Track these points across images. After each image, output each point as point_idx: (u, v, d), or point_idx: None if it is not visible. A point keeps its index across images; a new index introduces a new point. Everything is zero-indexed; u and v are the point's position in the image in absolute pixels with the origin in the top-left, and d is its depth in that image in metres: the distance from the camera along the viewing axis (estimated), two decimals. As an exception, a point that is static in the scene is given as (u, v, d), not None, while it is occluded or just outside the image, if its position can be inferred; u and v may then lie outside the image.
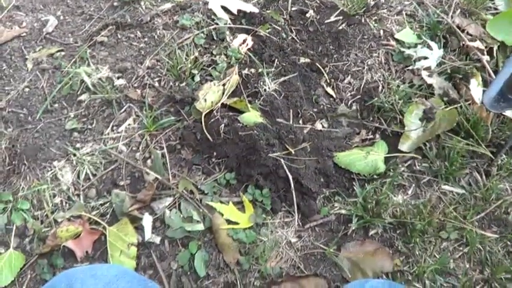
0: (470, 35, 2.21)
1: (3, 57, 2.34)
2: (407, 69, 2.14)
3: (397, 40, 2.24)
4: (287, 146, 1.90)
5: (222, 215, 1.81)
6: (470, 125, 1.93)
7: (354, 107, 2.08)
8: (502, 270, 1.72)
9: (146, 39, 2.31)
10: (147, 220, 1.81)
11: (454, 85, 2.08)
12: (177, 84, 2.11)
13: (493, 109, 1.68)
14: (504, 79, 1.65)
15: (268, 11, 2.38)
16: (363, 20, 2.33)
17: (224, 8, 2.36)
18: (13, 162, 2.01)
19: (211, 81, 2.06)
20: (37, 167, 1.98)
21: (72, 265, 1.78)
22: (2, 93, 2.22)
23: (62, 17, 2.52)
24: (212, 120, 1.95)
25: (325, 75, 2.15)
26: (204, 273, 1.74)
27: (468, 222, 1.79)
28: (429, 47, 2.16)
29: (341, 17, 2.35)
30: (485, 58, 2.11)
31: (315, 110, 2.06)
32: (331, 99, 2.10)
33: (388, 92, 2.06)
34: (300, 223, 1.83)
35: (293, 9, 2.39)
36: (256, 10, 2.34)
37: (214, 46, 2.23)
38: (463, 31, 2.21)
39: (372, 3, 2.39)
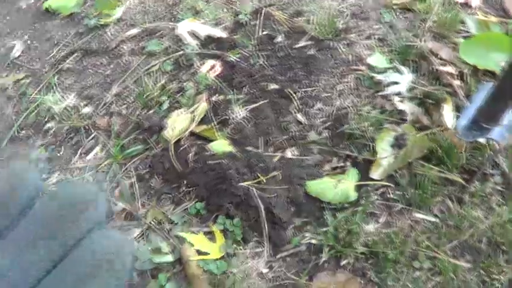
0: (443, 59, 2.20)
1: (-32, 84, 2.31)
2: (378, 95, 2.12)
3: (367, 65, 2.22)
4: (258, 175, 1.88)
5: (192, 245, 1.78)
6: (442, 151, 1.91)
7: (324, 134, 2.05)
8: (476, 300, 1.70)
9: (112, 65, 2.29)
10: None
11: (426, 110, 2.06)
12: (144, 111, 2.08)
13: (466, 137, 1.67)
14: (476, 107, 1.64)
15: (236, 36, 2.35)
16: (332, 45, 2.31)
17: (192, 34, 2.33)
18: (-23, 193, 1.97)
19: (179, 108, 2.04)
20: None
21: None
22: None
23: (29, 42, 2.49)
24: (181, 148, 1.93)
25: (295, 101, 2.12)
26: (174, 306, 1.71)
27: (441, 251, 1.77)
28: (399, 71, 2.14)
29: (310, 42, 2.33)
30: (457, 83, 2.10)
31: (285, 137, 2.04)
32: (301, 126, 2.08)
33: (359, 118, 2.04)
34: (271, 253, 1.80)
35: (262, 33, 2.37)
36: (224, 35, 2.33)
37: (182, 72, 2.21)
38: (436, 55, 2.20)
39: (341, 27, 2.37)
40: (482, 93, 1.69)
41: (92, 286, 0.42)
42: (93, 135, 2.05)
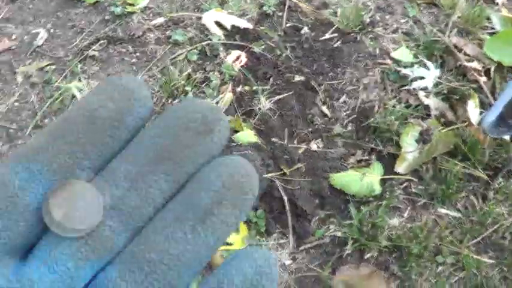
0: (468, 55, 2.19)
1: (-7, 70, 2.31)
2: (404, 89, 2.11)
3: (393, 59, 2.21)
4: (282, 167, 1.87)
5: (216, 236, 1.78)
6: (467, 147, 1.90)
7: (349, 127, 2.05)
8: (499, 297, 1.70)
9: (138, 54, 2.28)
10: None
11: (451, 106, 2.05)
12: (170, 101, 2.08)
13: (492, 134, 1.66)
14: (503, 104, 1.63)
15: (262, 27, 2.35)
16: (358, 38, 2.30)
17: (218, 24, 2.33)
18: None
19: (204, 98, 2.03)
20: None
21: None
22: (-9, 108, 2.19)
23: (52, 30, 2.48)
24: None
25: (320, 93, 2.12)
26: (197, 296, 1.70)
27: (464, 247, 1.77)
28: (426, 66, 2.14)
29: (336, 34, 2.32)
30: (483, 79, 2.09)
31: (310, 129, 2.03)
32: (326, 118, 2.07)
33: (384, 112, 2.03)
34: (295, 245, 1.80)
35: (287, 25, 2.37)
36: (250, 26, 2.32)
37: (207, 62, 2.20)
38: (460, 51, 2.19)
39: (368, 20, 2.37)
40: (509, 90, 1.68)
41: (217, 214, 0.39)
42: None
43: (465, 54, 2.20)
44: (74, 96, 2.13)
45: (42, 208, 0.37)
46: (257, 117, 2.00)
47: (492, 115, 1.65)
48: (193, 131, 0.40)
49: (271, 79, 2.13)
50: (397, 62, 2.20)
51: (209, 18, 2.34)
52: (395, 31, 2.34)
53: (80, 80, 2.19)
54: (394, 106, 2.04)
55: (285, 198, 1.81)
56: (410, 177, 1.91)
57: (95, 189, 0.39)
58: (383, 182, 1.90)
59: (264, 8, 2.42)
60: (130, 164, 0.40)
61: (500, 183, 1.89)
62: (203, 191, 0.39)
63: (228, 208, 0.39)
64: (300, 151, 1.96)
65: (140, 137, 0.41)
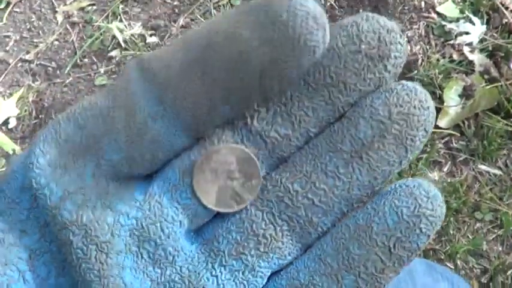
0: (514, 13, 2.15)
1: (33, 9, 2.30)
2: (448, 44, 2.08)
3: (438, 13, 2.18)
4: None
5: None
6: (510, 105, 1.88)
7: (392, 80, 2.02)
8: (536, 255, 1.69)
9: (180, -4, 2.27)
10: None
11: (495, 63, 2.02)
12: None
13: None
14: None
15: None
16: (403, -10, 2.27)
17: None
18: (40, 116, 1.98)
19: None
20: (64, 122, 1.95)
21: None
22: (31, 45, 2.19)
23: (94, -30, 2.48)
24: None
25: (363, 45, 2.09)
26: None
27: (504, 204, 1.75)
28: (471, 22, 2.10)
29: (381, -14, 2.29)
30: (529, 37, 2.06)
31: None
32: (369, 70, 2.05)
33: (428, 65, 2.01)
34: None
35: (332, -25, 2.34)
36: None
37: (250, 8, 2.18)
38: (506, 8, 2.15)
39: (414, -27, 2.33)
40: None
41: (378, 149, 0.34)
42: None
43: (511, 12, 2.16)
44: (114, 37, 2.12)
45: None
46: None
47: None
48: (365, 55, 0.33)
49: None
50: (442, 16, 2.17)
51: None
52: (441, -15, 2.31)
53: (121, 21, 2.18)
54: (438, 60, 2.01)
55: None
56: (452, 132, 1.89)
57: (252, 155, 0.35)
58: (424, 135, 1.88)
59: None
60: None
61: (543, 142, 1.88)
62: (364, 121, 0.34)
63: (391, 144, 0.34)
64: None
65: None
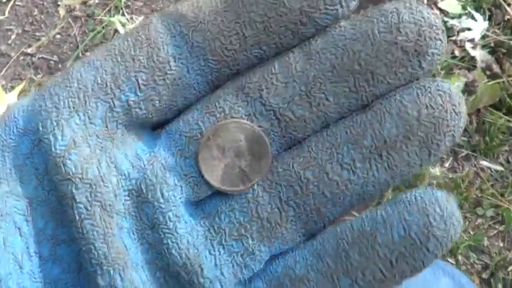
0: (516, 9, 2.16)
1: (35, 3, 2.30)
2: (450, 40, 2.08)
3: (440, 9, 2.18)
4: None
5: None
6: (512, 101, 1.88)
7: (393, 75, 2.03)
8: (537, 252, 1.69)
9: (183, -9, 2.26)
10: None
11: (497, 59, 2.03)
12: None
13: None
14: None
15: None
16: (405, -13, 2.27)
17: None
18: (42, 109, 1.98)
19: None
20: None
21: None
22: (33, 39, 2.19)
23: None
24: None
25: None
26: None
27: (505, 200, 1.75)
28: (473, 18, 2.10)
29: (383, -18, 2.29)
30: (531, 34, 2.06)
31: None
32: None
33: (430, 62, 2.01)
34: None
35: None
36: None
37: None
38: (509, 5, 2.15)
39: (416, -31, 2.33)
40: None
41: (400, 150, 0.32)
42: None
43: (514, 8, 2.17)
44: (116, 31, 2.12)
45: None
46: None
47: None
48: (401, 47, 0.32)
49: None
50: (444, 12, 2.16)
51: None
52: (443, -19, 2.31)
53: (123, 15, 2.18)
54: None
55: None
56: (453, 128, 1.89)
57: (262, 134, 0.34)
58: (426, 130, 1.88)
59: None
60: (308, 65, 0.33)
61: (544, 138, 1.88)
62: (390, 117, 0.32)
63: (415, 146, 0.33)
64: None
65: (329, 37, 0.33)
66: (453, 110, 0.32)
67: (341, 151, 0.33)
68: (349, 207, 0.34)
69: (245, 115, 0.34)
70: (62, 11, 2.26)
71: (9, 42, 2.19)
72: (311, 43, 0.33)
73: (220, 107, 0.34)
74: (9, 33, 2.22)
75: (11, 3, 2.28)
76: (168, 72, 0.33)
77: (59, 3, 2.29)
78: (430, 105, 0.32)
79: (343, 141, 0.33)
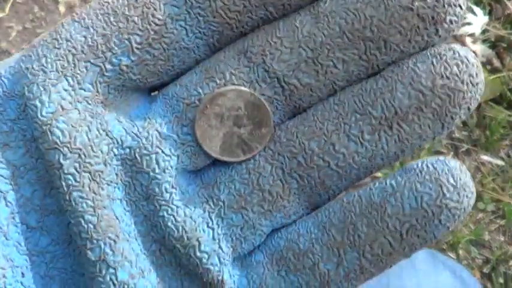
0: (516, 4, 2.15)
1: (35, 0, 2.30)
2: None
3: (440, 4, 2.18)
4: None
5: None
6: (512, 95, 1.88)
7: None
8: (538, 246, 1.69)
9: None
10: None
11: (497, 54, 2.02)
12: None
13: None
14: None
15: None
16: (405, -18, 2.27)
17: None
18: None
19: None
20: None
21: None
22: (34, 36, 2.18)
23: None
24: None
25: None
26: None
27: (506, 195, 1.75)
28: (473, 12, 2.10)
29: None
30: (531, 28, 2.06)
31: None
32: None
33: (430, 56, 2.00)
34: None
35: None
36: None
37: None
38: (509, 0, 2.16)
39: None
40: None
41: (411, 121, 0.31)
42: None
43: (514, 2, 2.16)
44: (116, 28, 2.12)
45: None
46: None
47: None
48: (417, 14, 0.30)
49: None
50: (444, 7, 2.16)
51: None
52: (443, -24, 2.30)
53: (123, 12, 2.18)
54: (440, 51, 2.01)
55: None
56: (454, 123, 1.89)
57: (263, 101, 0.32)
58: (426, 125, 1.88)
59: None
60: (316, 29, 0.31)
61: (545, 133, 1.88)
62: (402, 87, 0.31)
63: (427, 118, 0.31)
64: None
65: (337, 2, 0.31)
66: (470, 81, 0.31)
67: (348, 121, 0.32)
68: (356, 180, 0.33)
69: (247, 82, 0.32)
70: (62, 8, 2.25)
71: (10, 39, 2.19)
72: (319, 5, 0.31)
73: (220, 72, 0.32)
74: (10, 30, 2.22)
75: (11, 0, 2.27)
76: (165, 34, 0.31)
77: (59, 0, 2.29)
78: (445, 75, 0.31)
79: (351, 110, 0.32)
